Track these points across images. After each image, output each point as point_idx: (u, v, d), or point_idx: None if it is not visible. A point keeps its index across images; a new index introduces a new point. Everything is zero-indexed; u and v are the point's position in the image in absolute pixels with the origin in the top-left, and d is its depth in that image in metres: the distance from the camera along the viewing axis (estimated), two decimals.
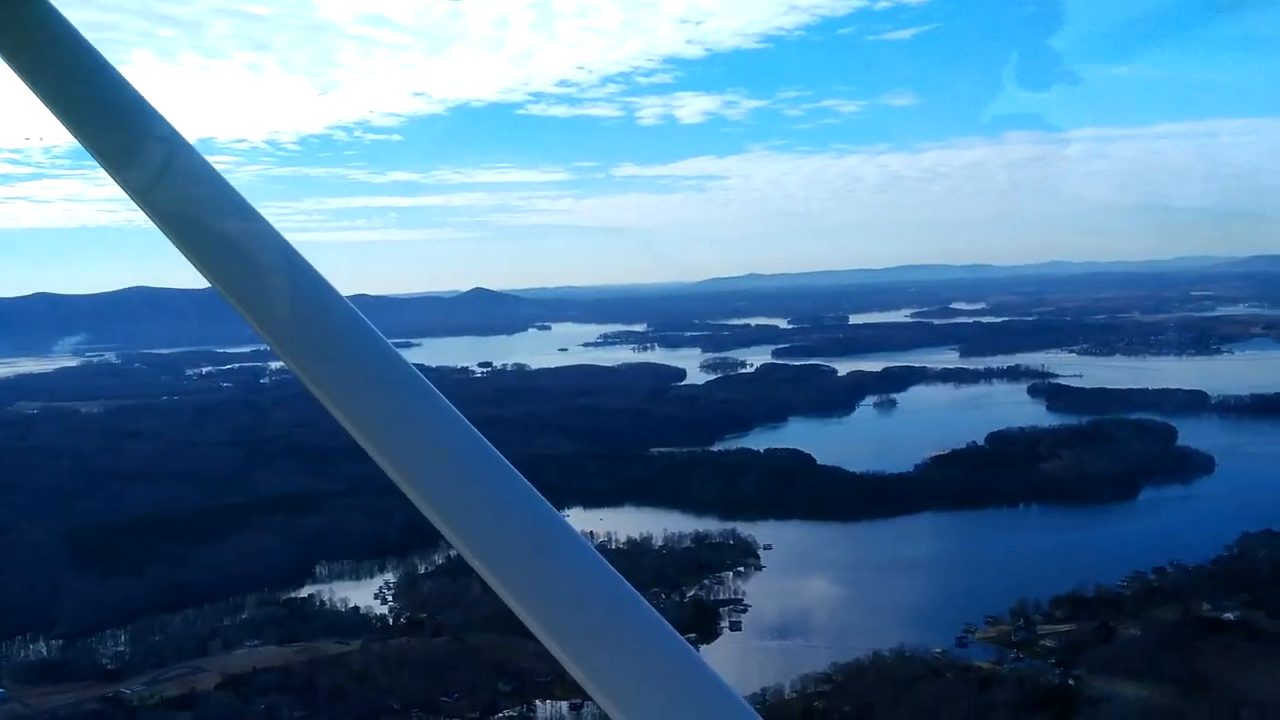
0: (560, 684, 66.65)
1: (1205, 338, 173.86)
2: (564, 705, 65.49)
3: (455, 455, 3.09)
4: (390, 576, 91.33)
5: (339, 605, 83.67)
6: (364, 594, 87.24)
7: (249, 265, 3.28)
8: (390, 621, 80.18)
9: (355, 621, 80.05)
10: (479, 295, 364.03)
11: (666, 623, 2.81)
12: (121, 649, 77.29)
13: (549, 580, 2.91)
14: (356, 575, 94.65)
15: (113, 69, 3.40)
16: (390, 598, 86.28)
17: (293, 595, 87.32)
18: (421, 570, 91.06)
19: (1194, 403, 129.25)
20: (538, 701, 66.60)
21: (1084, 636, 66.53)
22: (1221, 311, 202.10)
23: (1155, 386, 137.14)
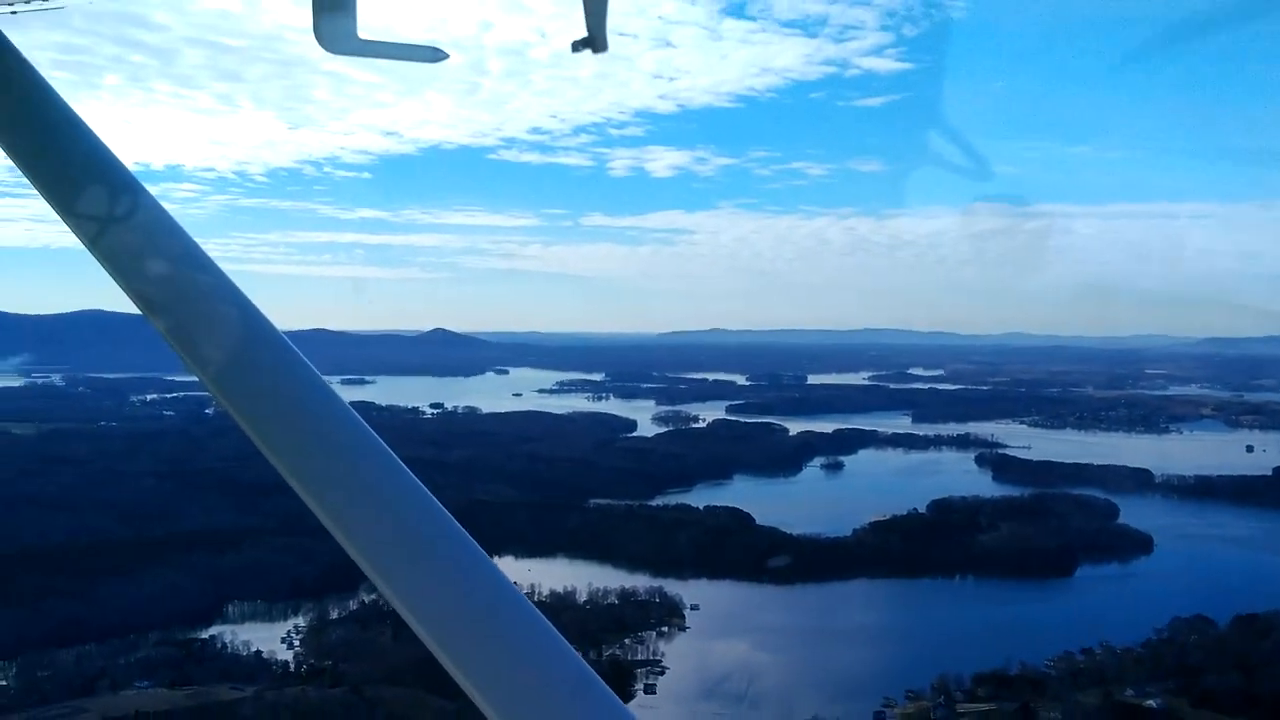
0: None
1: (1155, 416, 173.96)
2: None
3: (384, 495, 3.23)
4: (301, 620, 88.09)
5: (241, 649, 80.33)
6: (271, 637, 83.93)
7: (195, 311, 3.48)
8: (291, 668, 76.93)
9: (255, 666, 76.75)
10: (440, 336, 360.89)
11: (593, 672, 3.00)
12: (3, 684, 73.57)
13: (471, 622, 3.03)
14: (269, 617, 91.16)
15: (71, 112, 3.53)
16: (297, 643, 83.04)
17: (196, 636, 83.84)
18: (334, 615, 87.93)
19: (1138, 481, 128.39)
20: None
21: (1003, 718, 64.49)
22: (1173, 391, 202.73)
23: (1101, 462, 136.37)
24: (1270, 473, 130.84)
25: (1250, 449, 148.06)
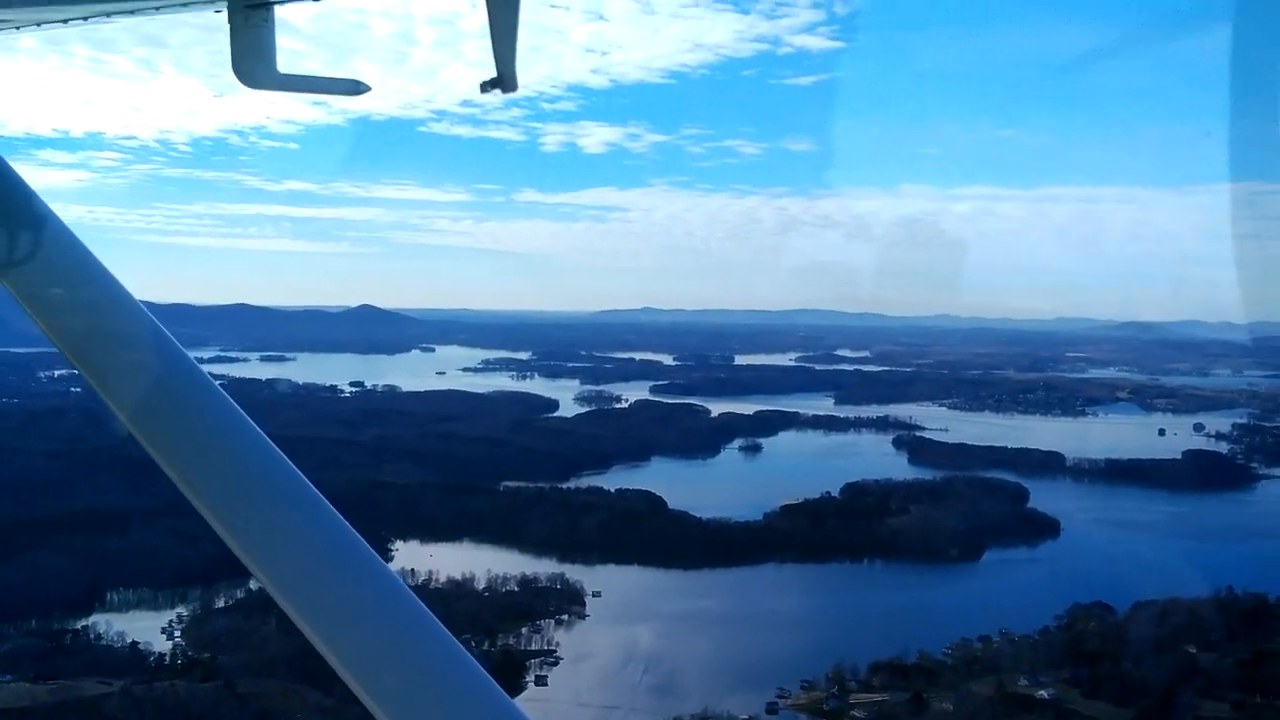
0: None
1: (1071, 399, 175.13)
2: None
3: (260, 484, 3.40)
4: (185, 609, 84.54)
5: (116, 640, 76.67)
6: (151, 628, 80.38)
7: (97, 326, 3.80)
8: (166, 661, 73.54)
9: (128, 659, 73.13)
10: (366, 312, 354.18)
11: (480, 667, 3.09)
12: None
13: (356, 617, 3.14)
14: (153, 605, 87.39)
15: None
16: (178, 634, 79.61)
17: (69, 625, 79.92)
18: (220, 604, 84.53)
19: (1050, 464, 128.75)
20: None
21: (895, 709, 63.40)
22: (1092, 374, 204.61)
23: (1016, 445, 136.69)
24: (1180, 456, 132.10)
25: (1162, 432, 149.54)
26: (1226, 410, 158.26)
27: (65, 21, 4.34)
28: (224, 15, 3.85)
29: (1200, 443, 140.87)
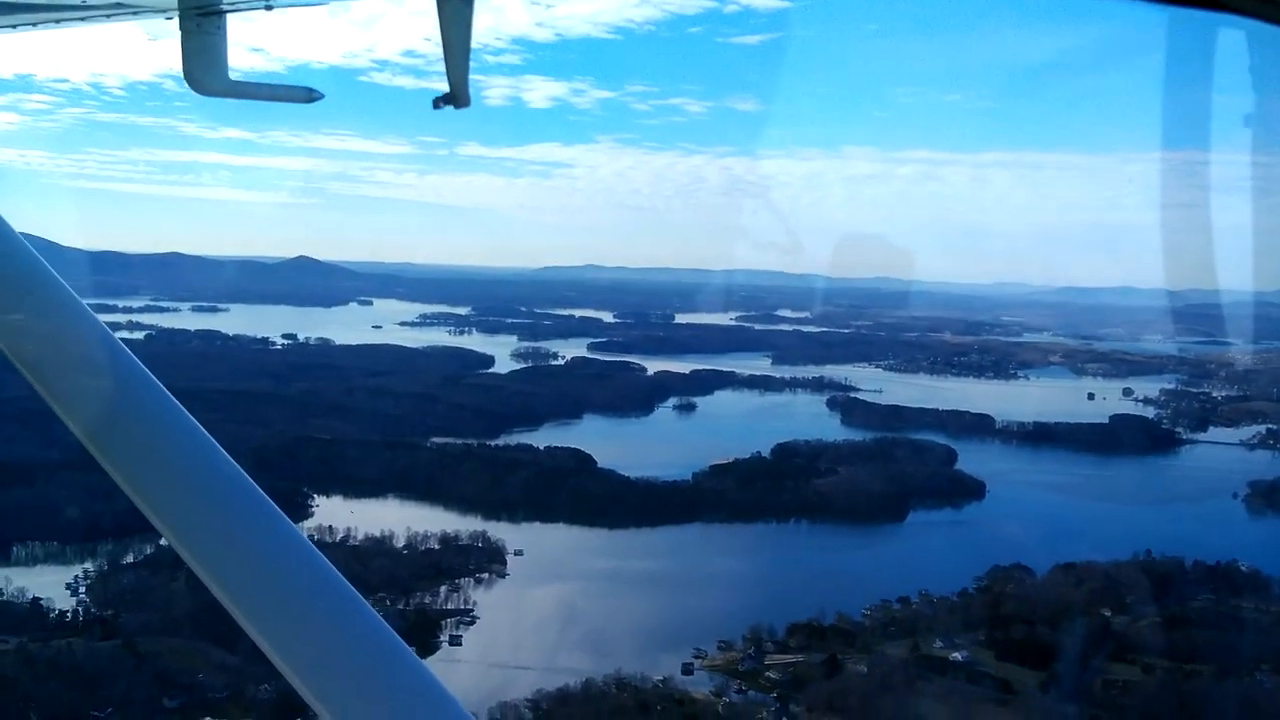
0: (236, 702, 59.58)
1: (1005, 362, 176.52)
2: None
3: (169, 449, 3.50)
4: (92, 565, 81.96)
5: (18, 596, 74.09)
6: (55, 583, 77.78)
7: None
8: (68, 618, 71.20)
9: (27, 616, 70.81)
10: (303, 264, 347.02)
11: (389, 627, 3.22)
12: None
13: (259, 574, 3.29)
14: (61, 560, 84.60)
15: None
16: (83, 590, 77.15)
17: None
18: (129, 560, 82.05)
19: (980, 426, 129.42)
20: None
21: (809, 670, 63.06)
22: (1026, 338, 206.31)
23: (947, 408, 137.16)
24: (1107, 420, 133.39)
25: (1091, 396, 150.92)
26: (1156, 375, 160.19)
27: (14, 28, 4.40)
28: (175, 22, 3.82)
29: (1128, 407, 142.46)
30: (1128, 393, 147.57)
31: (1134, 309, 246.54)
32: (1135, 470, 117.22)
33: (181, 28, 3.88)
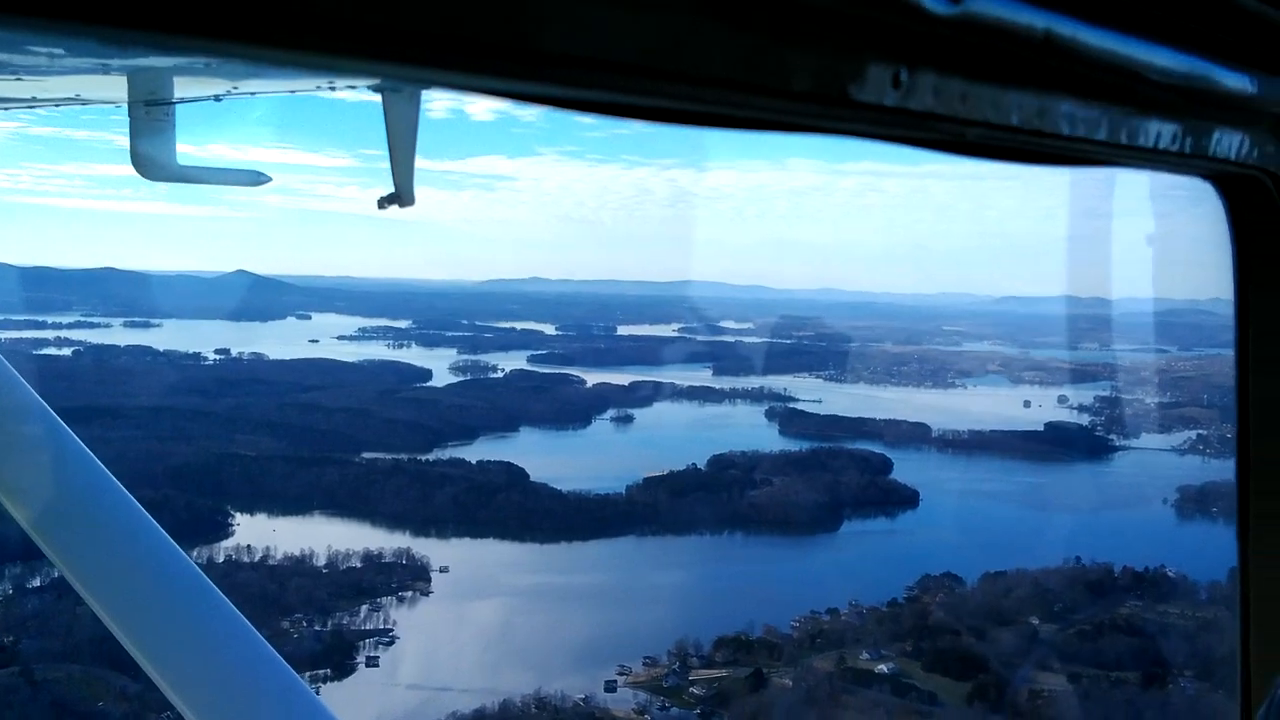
0: None
1: (943, 371, 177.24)
2: None
3: (78, 495, 3.64)
4: None
5: None
6: None
7: None
8: None
9: None
10: (241, 279, 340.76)
11: (268, 646, 3.53)
12: None
13: (156, 609, 3.48)
14: None
15: None
16: None
17: None
18: (35, 584, 78.76)
19: (916, 435, 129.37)
20: None
21: (734, 685, 61.83)
22: (966, 347, 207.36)
23: (885, 417, 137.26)
24: (1042, 427, 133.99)
25: (1028, 404, 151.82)
26: (1090, 383, 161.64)
27: None
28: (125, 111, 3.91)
29: (1063, 414, 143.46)
30: (1062, 400, 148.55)
31: (1072, 318, 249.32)
32: (1068, 477, 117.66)
33: (130, 116, 3.94)
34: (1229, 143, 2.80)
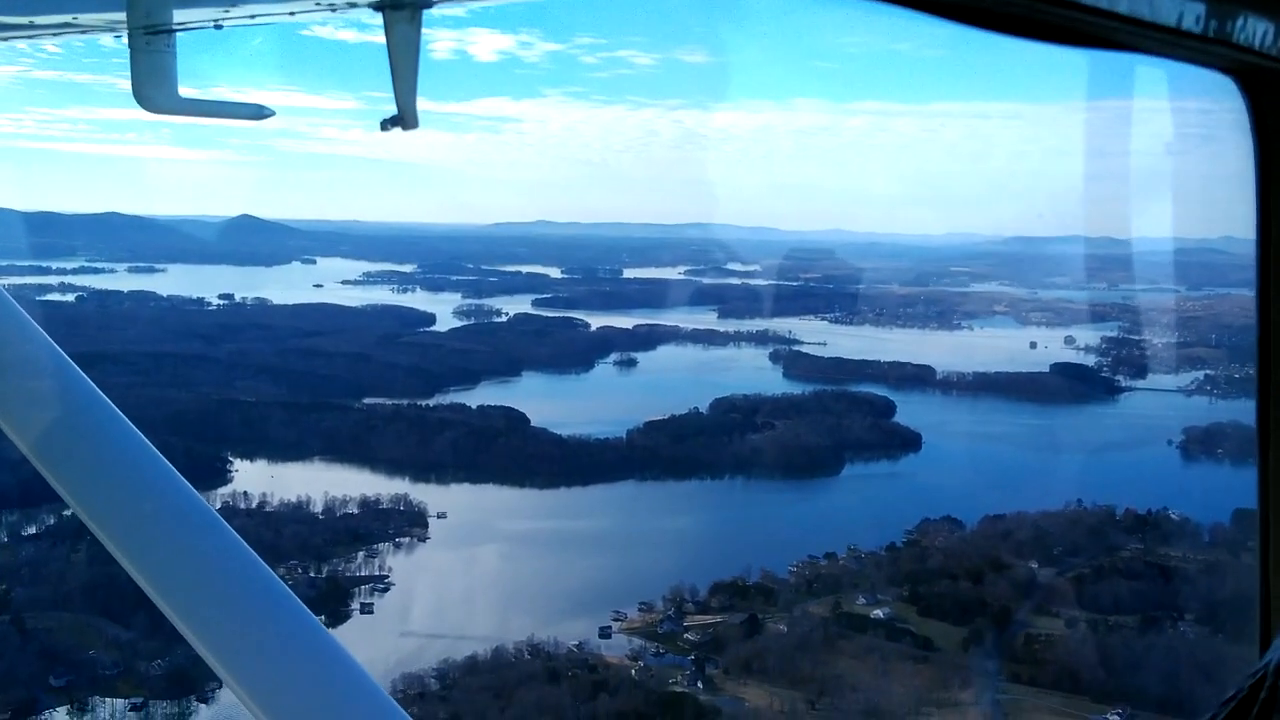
0: (127, 680, 57.06)
1: (950, 313, 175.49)
2: (121, 704, 55.88)
3: (81, 427, 3.52)
4: None
5: None
6: None
7: None
8: None
9: None
10: (246, 223, 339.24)
11: (309, 612, 3.31)
12: None
13: (177, 556, 3.41)
14: None
15: None
16: None
17: None
18: (30, 531, 78.81)
19: (920, 377, 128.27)
20: (97, 699, 56.70)
21: (729, 631, 61.50)
22: (973, 288, 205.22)
23: (889, 359, 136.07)
24: (1047, 369, 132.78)
25: (1034, 345, 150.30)
26: (1098, 323, 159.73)
27: None
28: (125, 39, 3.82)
29: (1069, 355, 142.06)
30: (1069, 341, 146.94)
31: (1081, 257, 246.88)
32: (1073, 418, 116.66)
33: (130, 46, 3.86)
34: (1254, 29, 2.67)
